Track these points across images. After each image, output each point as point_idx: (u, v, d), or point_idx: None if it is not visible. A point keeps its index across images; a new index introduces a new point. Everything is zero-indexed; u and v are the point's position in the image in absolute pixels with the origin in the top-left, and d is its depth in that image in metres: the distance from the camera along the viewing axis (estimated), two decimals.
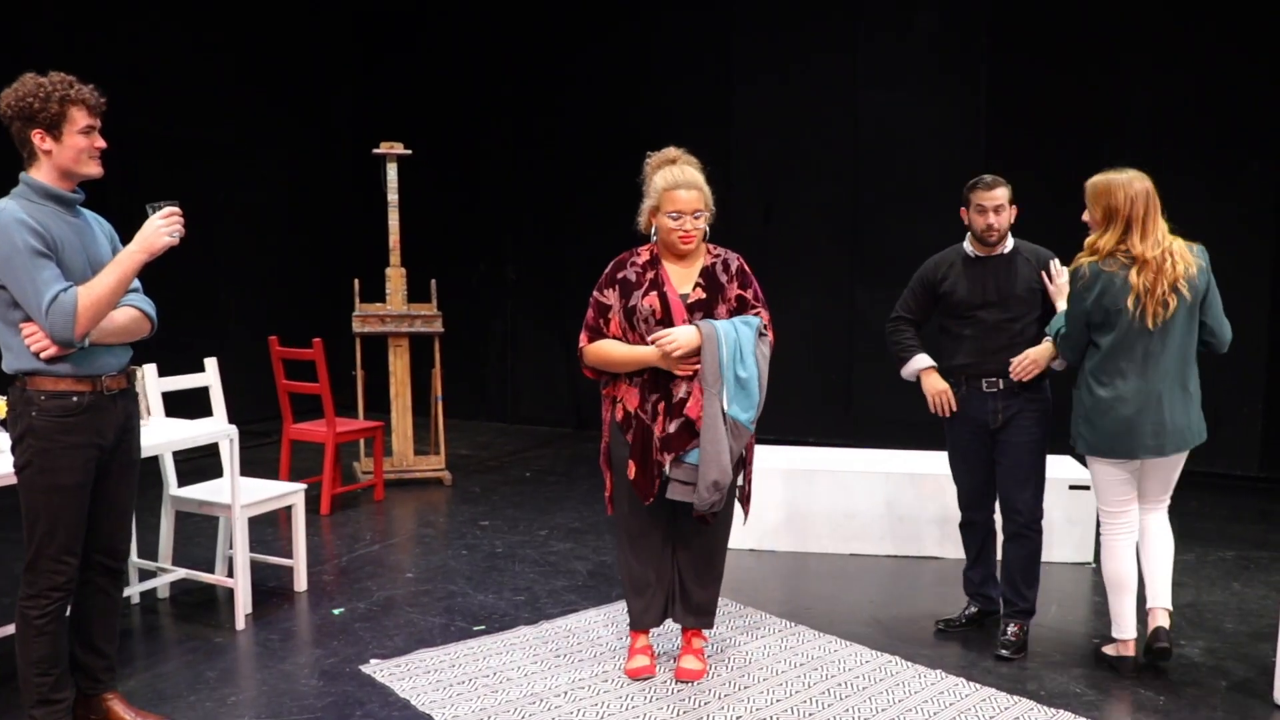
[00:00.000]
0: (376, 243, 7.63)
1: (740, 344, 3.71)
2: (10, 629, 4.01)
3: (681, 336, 3.68)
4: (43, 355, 3.13)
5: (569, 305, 9.42)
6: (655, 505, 3.87)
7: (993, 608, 4.53)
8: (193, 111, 8.67)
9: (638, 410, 3.82)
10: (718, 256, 3.93)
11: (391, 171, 7.23)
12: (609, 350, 3.83)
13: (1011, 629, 4.32)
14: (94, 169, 3.24)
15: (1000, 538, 4.49)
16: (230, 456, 4.60)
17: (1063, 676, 4.07)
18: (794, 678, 4.04)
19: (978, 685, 3.96)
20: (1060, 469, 5.71)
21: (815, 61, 8.34)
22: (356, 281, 7.28)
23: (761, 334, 3.79)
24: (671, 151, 3.93)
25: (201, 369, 5.12)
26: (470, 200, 9.83)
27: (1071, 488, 5.50)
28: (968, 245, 4.41)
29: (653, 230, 3.90)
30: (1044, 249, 4.38)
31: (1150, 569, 4.06)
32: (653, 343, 3.72)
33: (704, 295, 3.84)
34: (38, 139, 3.13)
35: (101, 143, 3.24)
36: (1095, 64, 7.54)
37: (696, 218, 3.79)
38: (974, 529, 4.53)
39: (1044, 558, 5.38)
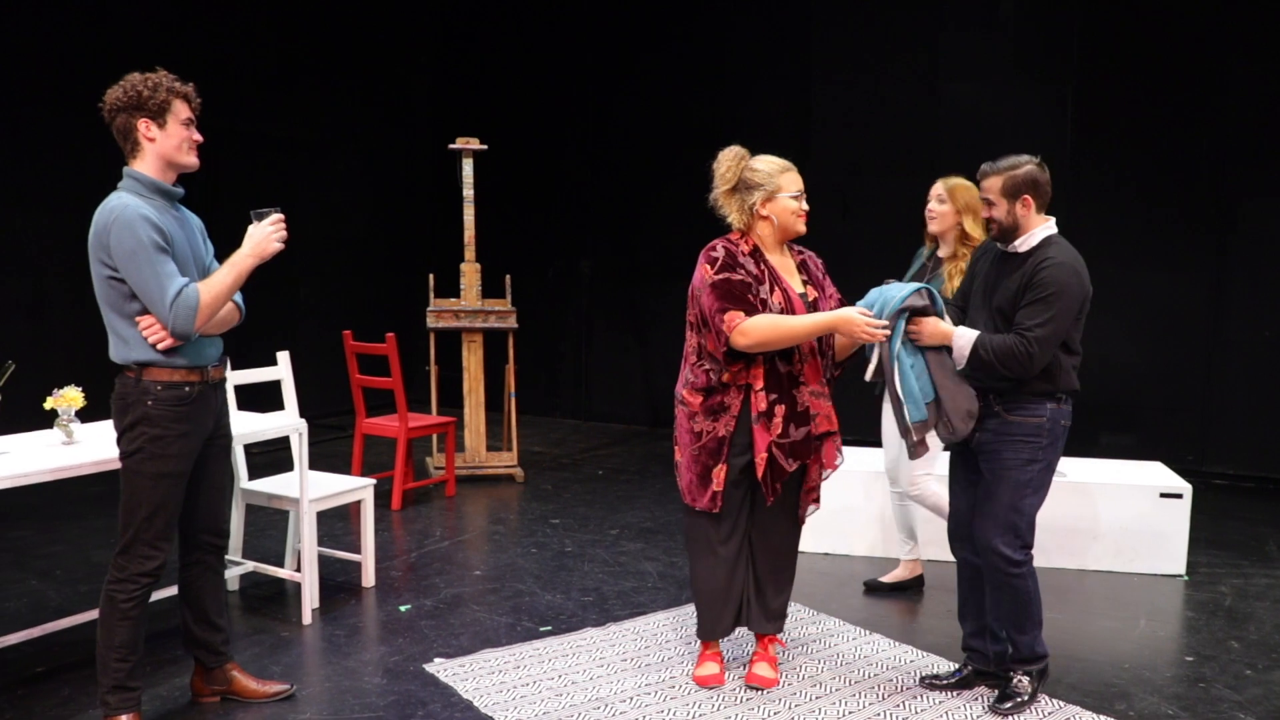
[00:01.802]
0: (452, 238, 7.62)
1: None
2: (76, 618, 4.07)
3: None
4: (160, 346, 3.23)
5: (643, 302, 9.35)
6: (735, 511, 3.77)
7: (986, 666, 3.86)
8: (270, 108, 8.74)
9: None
10: (801, 253, 3.87)
11: (468, 167, 7.21)
12: (782, 322, 3.56)
13: (1017, 679, 3.73)
14: (193, 159, 3.36)
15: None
16: (299, 450, 4.60)
17: (1153, 696, 3.88)
18: (868, 688, 3.91)
19: (1061, 702, 3.78)
20: (1149, 475, 5.50)
21: (895, 53, 8.15)
22: (431, 277, 7.27)
23: None
24: (739, 148, 3.80)
25: (274, 362, 5.12)
26: (545, 196, 9.80)
27: (1162, 495, 5.27)
28: None
29: (748, 221, 3.76)
30: (1056, 255, 3.50)
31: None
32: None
33: (816, 294, 3.80)
34: (143, 128, 3.24)
35: (199, 136, 3.36)
36: (1190, 55, 7.25)
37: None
38: (962, 565, 3.87)
39: (1131, 568, 5.26)
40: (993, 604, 3.73)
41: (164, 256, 3.17)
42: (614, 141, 9.47)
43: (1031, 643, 3.70)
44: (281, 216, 3.40)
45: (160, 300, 3.16)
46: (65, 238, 7.35)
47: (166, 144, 3.26)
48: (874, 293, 3.65)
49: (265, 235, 3.36)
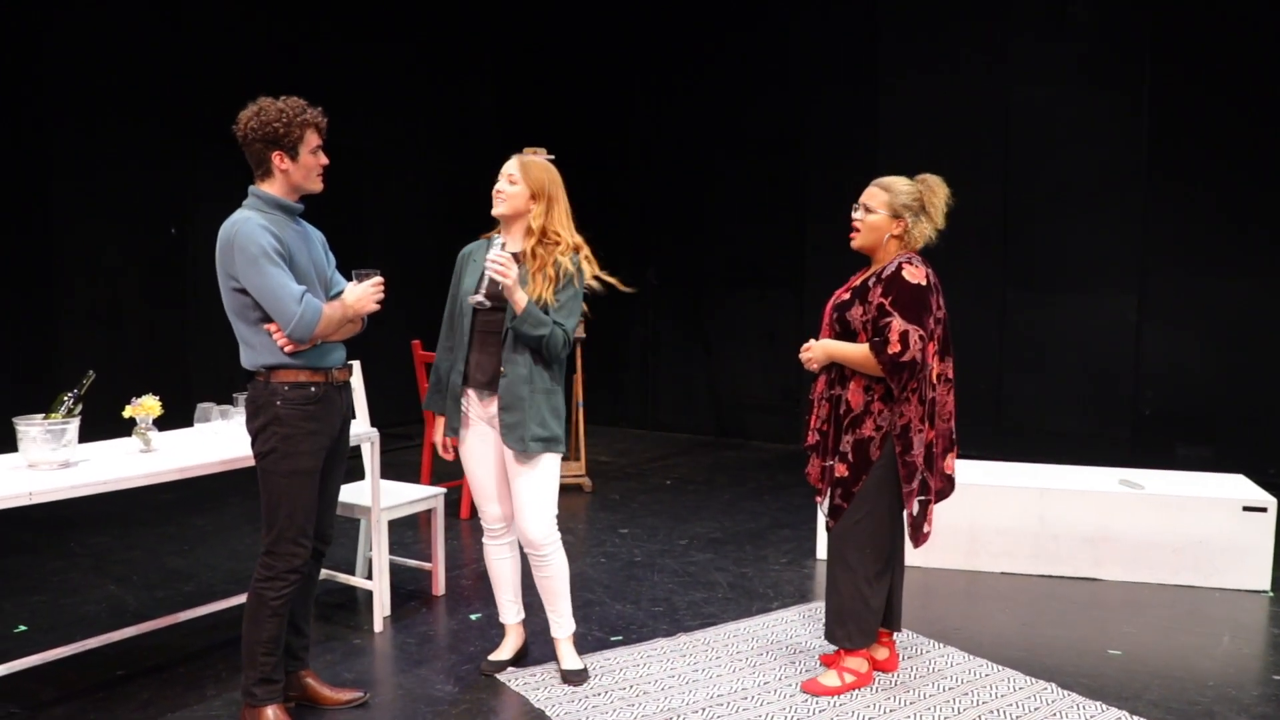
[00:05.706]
0: None
1: None
2: (155, 623, 4.14)
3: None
4: (286, 350, 3.36)
5: (709, 310, 9.33)
6: None
7: None
8: (336, 119, 8.82)
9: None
10: (895, 261, 3.84)
11: None
12: None
13: None
14: (319, 185, 3.51)
15: None
16: (371, 459, 4.64)
17: (1241, 716, 3.76)
18: (943, 702, 3.85)
19: (1142, 719, 3.70)
20: (1231, 488, 5.35)
21: (964, 57, 8.04)
22: None
23: None
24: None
25: None
26: (610, 204, 9.80)
27: (1245, 509, 5.13)
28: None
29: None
30: None
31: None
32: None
33: (847, 297, 3.87)
34: (277, 159, 3.38)
35: (326, 159, 3.49)
36: (1266, 58, 7.07)
37: (869, 211, 3.91)
38: None
39: (1211, 583, 5.14)
40: None
41: (280, 265, 3.28)
42: (679, 148, 9.46)
43: None
44: (381, 280, 3.54)
45: (278, 306, 3.28)
46: (141, 248, 7.52)
47: (297, 174, 3.41)
48: None
49: (365, 295, 3.50)
